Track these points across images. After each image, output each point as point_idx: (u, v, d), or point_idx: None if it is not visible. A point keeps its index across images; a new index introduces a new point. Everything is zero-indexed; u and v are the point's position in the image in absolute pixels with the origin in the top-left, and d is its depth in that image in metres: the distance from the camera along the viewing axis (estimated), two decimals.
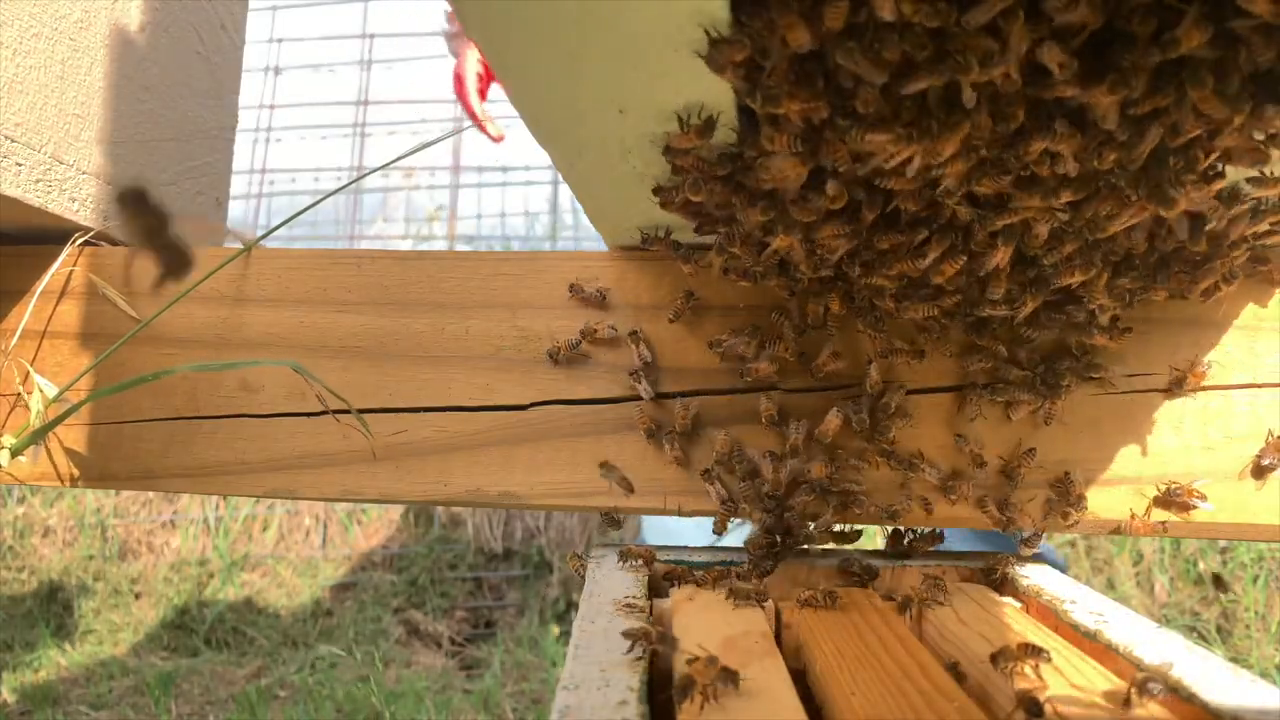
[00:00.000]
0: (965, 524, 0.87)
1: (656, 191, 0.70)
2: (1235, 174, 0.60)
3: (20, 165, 0.89)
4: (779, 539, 0.84)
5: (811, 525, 0.85)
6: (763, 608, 0.73)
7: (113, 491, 3.52)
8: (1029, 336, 0.81)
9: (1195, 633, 2.83)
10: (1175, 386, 0.84)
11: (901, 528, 0.88)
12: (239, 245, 0.98)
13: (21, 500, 3.40)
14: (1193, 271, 0.72)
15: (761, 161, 0.58)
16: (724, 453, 0.85)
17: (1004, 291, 0.72)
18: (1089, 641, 0.66)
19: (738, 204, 0.66)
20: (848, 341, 0.87)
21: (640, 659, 0.58)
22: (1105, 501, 0.85)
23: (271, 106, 4.78)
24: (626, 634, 0.60)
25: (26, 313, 0.96)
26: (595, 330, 0.90)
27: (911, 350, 0.84)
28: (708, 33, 0.49)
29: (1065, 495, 0.83)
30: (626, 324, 0.91)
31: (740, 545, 0.87)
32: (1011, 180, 0.57)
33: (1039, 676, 0.58)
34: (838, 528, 0.87)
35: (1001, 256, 0.65)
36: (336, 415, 0.92)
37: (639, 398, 0.89)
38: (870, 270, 0.71)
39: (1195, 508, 0.81)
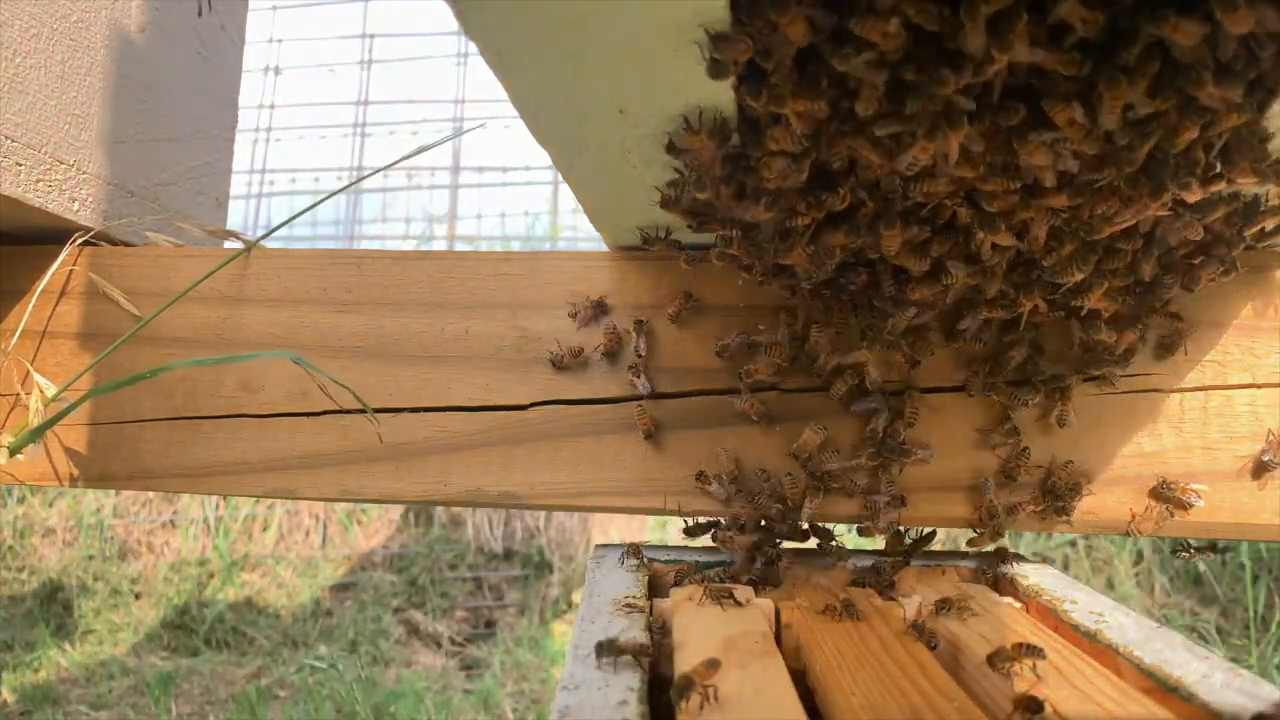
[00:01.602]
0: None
1: (663, 202, 0.71)
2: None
3: (20, 165, 0.89)
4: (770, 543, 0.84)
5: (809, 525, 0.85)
6: (739, 603, 0.72)
7: (113, 491, 3.52)
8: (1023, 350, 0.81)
9: (1195, 633, 2.83)
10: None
11: (902, 528, 0.88)
12: (239, 245, 0.98)
13: (21, 500, 3.40)
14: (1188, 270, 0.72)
15: (763, 161, 0.58)
16: (728, 470, 0.86)
17: (998, 291, 0.72)
18: (1089, 641, 0.66)
19: (738, 204, 0.66)
20: (847, 340, 0.87)
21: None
22: (1105, 501, 0.84)
23: (271, 106, 4.78)
24: (624, 646, 0.58)
25: (26, 313, 0.96)
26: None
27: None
28: (708, 33, 0.49)
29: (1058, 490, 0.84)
30: (627, 324, 0.91)
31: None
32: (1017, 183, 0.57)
33: (1037, 676, 0.58)
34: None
35: (993, 237, 0.64)
36: (338, 407, 0.92)
37: (639, 397, 0.89)
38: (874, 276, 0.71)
39: (1191, 505, 0.81)
